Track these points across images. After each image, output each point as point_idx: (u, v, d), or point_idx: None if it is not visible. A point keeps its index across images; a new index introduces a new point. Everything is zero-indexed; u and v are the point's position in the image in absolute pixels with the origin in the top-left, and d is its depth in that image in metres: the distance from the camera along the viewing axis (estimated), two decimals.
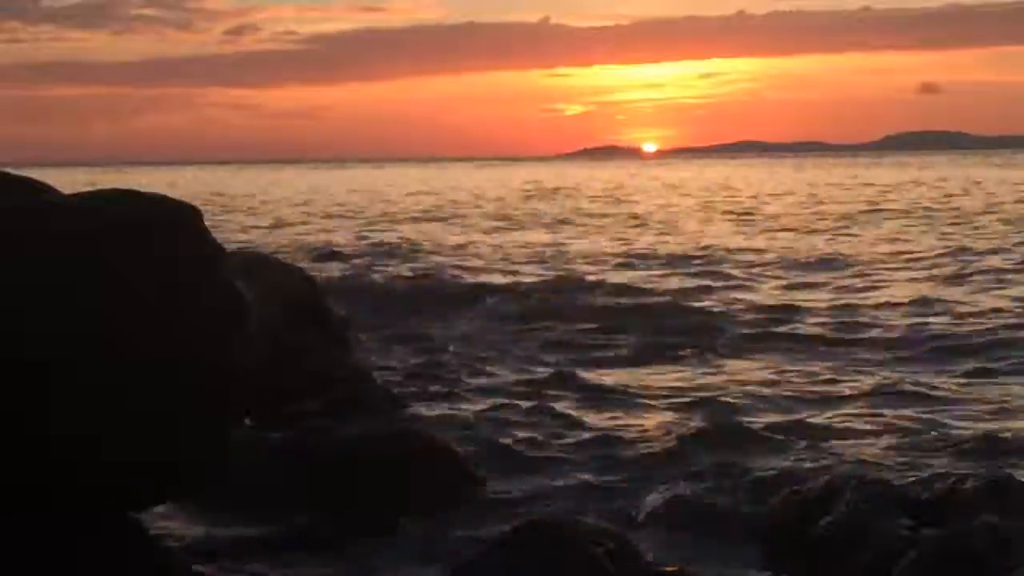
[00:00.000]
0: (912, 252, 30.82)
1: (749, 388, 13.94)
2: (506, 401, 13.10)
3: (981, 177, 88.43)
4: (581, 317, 19.83)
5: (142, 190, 8.05)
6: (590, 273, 26.79)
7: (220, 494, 8.88)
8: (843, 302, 21.28)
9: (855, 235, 37.00)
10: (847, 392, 13.65)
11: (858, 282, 24.55)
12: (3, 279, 6.90)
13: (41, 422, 6.86)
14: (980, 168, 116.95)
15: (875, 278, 25.20)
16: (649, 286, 24.21)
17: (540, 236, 38.95)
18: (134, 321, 7.03)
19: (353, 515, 8.83)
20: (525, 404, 12.91)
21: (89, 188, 8.21)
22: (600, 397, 13.59)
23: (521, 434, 11.60)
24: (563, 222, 46.63)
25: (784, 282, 24.90)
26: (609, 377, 14.78)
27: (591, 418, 12.42)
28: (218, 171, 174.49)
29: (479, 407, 12.86)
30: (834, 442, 11.17)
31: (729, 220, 46.36)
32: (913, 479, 9.18)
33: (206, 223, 7.41)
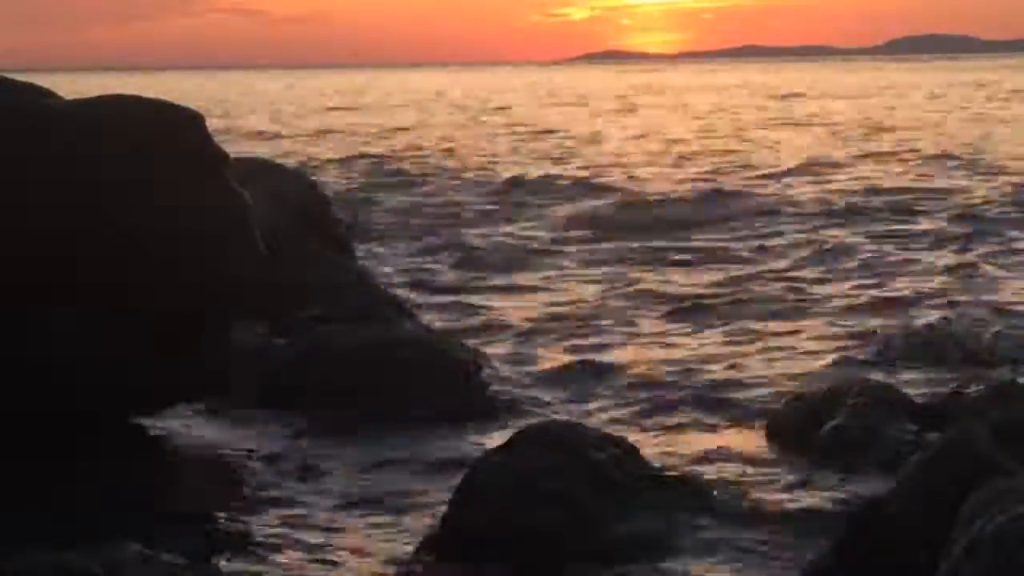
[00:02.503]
0: None
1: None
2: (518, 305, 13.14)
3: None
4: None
5: (145, 96, 8.02)
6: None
7: (223, 399, 8.93)
8: None
9: None
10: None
11: None
12: (7, 180, 6.91)
13: (42, 319, 6.88)
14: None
15: None
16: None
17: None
18: (135, 222, 7.04)
19: (356, 421, 8.88)
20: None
21: (91, 94, 8.19)
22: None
23: (528, 342, 11.64)
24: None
25: None
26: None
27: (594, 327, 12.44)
28: (226, 76, 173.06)
29: (488, 315, 12.92)
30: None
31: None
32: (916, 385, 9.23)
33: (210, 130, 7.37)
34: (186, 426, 8.66)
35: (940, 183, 24.52)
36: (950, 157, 29.66)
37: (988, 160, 28.67)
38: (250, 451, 8.28)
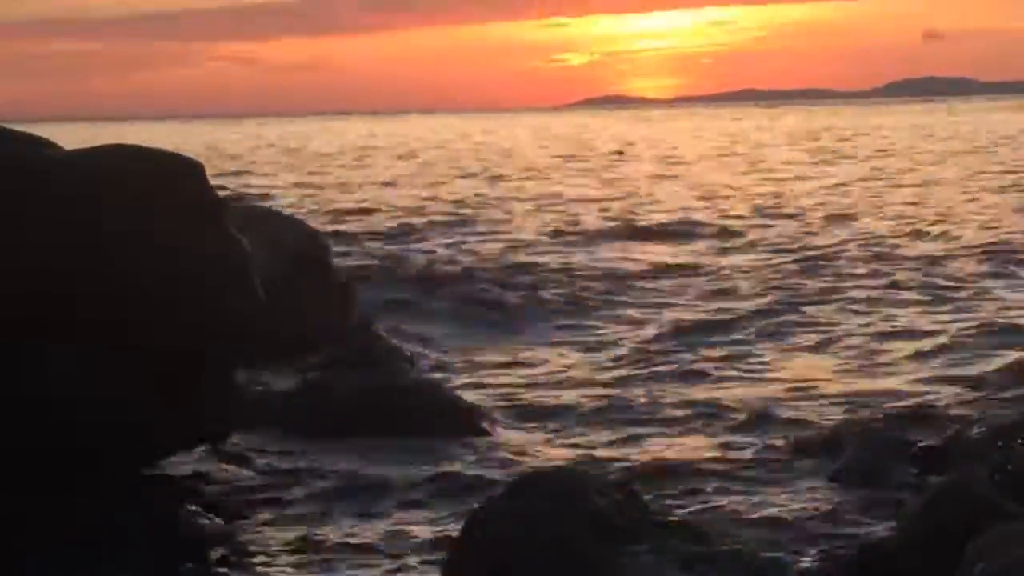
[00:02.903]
0: None
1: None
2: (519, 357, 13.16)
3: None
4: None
5: (145, 145, 8.05)
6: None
7: (225, 445, 8.92)
8: None
9: None
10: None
11: None
12: (7, 231, 6.92)
13: (40, 366, 6.88)
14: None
15: None
16: None
17: None
18: (135, 270, 7.05)
19: (357, 466, 8.87)
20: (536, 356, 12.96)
21: (91, 144, 8.22)
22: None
23: (528, 387, 11.64)
24: None
25: None
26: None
27: (595, 372, 12.43)
28: (232, 125, 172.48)
29: (487, 358, 12.92)
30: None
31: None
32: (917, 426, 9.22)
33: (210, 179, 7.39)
34: (186, 466, 8.65)
35: None
36: None
37: None
38: (250, 494, 8.27)
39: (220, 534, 7.61)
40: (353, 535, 7.63)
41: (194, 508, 7.86)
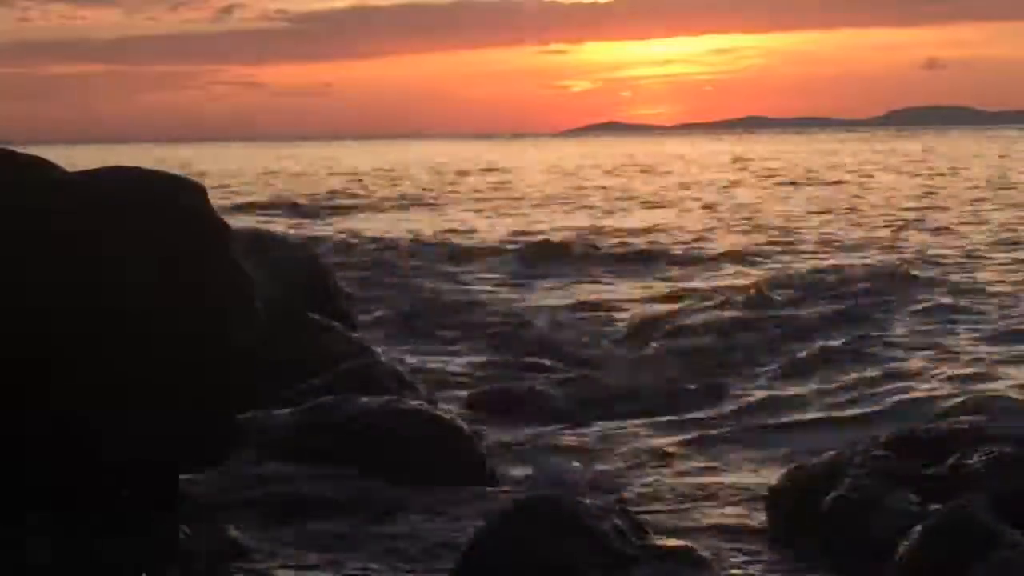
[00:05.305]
0: None
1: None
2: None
3: None
4: None
5: (146, 168, 8.06)
6: None
7: (224, 473, 8.91)
8: None
9: None
10: None
11: None
12: (6, 254, 6.93)
13: (42, 397, 6.88)
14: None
15: None
16: None
17: None
18: (136, 297, 7.06)
19: (357, 493, 8.85)
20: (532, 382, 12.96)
21: (93, 166, 8.23)
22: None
23: (528, 411, 11.64)
24: None
25: None
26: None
27: (591, 395, 12.44)
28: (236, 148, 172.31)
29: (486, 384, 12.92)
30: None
31: None
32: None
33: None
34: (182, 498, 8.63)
35: None
36: None
37: None
38: (246, 520, 8.26)
39: (221, 554, 7.61)
40: (350, 559, 7.62)
41: (190, 533, 7.86)
